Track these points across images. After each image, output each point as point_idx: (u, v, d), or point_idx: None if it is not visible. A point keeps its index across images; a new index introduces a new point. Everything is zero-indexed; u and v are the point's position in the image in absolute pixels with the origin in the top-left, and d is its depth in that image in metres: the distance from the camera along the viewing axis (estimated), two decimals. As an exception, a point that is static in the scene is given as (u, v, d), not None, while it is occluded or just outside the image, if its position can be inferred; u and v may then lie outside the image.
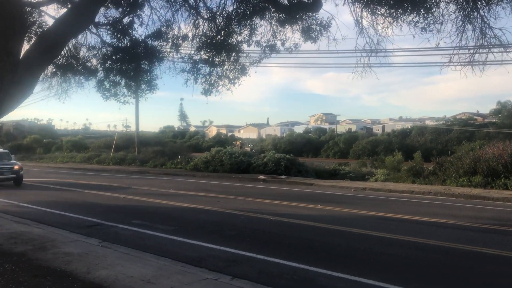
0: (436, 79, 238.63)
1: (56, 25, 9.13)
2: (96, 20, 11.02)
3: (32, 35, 11.26)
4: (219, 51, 11.71)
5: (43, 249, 9.34)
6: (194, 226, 12.45)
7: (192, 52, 12.75)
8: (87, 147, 54.77)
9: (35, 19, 11.56)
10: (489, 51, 9.43)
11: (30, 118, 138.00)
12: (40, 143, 60.81)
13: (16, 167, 22.60)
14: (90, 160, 42.45)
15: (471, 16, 8.96)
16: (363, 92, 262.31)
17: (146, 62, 12.10)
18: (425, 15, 9.02)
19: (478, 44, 9.16)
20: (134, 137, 44.91)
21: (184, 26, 13.04)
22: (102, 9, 12.02)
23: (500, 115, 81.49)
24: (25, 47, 10.50)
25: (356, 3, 9.80)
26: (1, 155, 23.50)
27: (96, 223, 12.70)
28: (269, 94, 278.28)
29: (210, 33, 12.07)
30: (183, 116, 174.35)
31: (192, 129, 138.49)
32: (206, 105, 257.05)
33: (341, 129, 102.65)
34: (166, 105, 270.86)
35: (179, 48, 12.67)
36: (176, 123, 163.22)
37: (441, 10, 9.07)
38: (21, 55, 8.18)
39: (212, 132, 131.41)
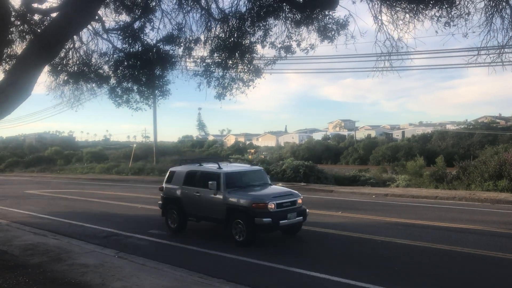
0: (456, 83, 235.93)
1: (54, 22, 8.93)
2: (107, 26, 10.93)
3: (29, 34, 11.13)
4: (232, 53, 11.45)
5: (59, 261, 9.20)
6: (210, 235, 12.21)
7: (205, 55, 12.52)
8: (106, 158, 55.22)
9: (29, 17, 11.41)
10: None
11: (52, 131, 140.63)
12: (60, 154, 61.49)
13: (299, 200, 11.76)
14: (109, 171, 42.68)
15: (499, 7, 8.45)
16: (381, 98, 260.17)
17: (158, 68, 11.91)
18: (449, 8, 8.57)
19: (508, 37, 8.65)
20: (153, 147, 45.03)
21: (195, 28, 12.78)
22: (112, 15, 11.93)
23: (523, 118, 79.70)
24: (22, 46, 10.40)
25: (375, -1, 9.41)
26: (255, 173, 12.69)
27: (113, 234, 12.56)
28: (287, 101, 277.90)
29: (223, 35, 11.82)
30: (201, 126, 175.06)
31: (211, 138, 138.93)
32: (223, 113, 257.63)
33: (360, 135, 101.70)
34: (184, 115, 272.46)
35: (192, 51, 12.44)
36: (194, 133, 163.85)
37: (465, 2, 8.59)
38: (18, 55, 8.02)
39: (230, 140, 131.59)
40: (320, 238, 11.64)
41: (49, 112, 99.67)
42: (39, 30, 10.96)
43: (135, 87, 12.35)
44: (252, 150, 53.74)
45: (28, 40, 10.77)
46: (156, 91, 12.48)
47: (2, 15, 7.63)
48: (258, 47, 11.98)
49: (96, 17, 11.23)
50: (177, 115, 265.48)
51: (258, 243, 10.96)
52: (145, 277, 8.00)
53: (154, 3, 11.58)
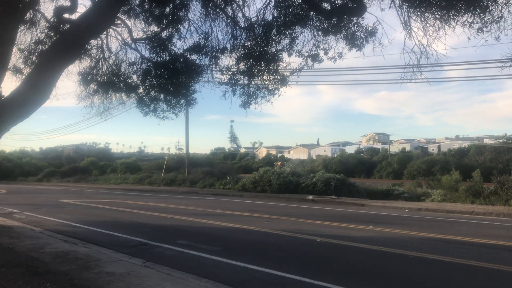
0: (494, 97, 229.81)
1: (74, 25, 9.09)
2: (135, 36, 11.09)
3: (52, 33, 11.36)
4: (258, 62, 11.41)
5: (87, 269, 9.28)
6: (239, 247, 12.11)
7: (231, 63, 12.55)
8: (140, 168, 56.17)
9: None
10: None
11: (89, 142, 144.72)
12: (96, 165, 62.96)
13: None
14: (142, 181, 43.32)
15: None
16: (417, 111, 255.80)
17: (185, 77, 12.00)
18: (481, 14, 8.27)
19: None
20: (185, 159, 45.50)
21: (221, 37, 12.86)
22: (141, 24, 12.12)
23: None
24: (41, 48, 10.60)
25: (404, 6, 9.20)
26: None
27: (142, 243, 12.62)
28: (320, 115, 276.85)
29: (248, 43, 11.80)
30: (233, 138, 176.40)
31: (242, 150, 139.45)
32: (255, 126, 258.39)
33: (394, 149, 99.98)
34: (217, 128, 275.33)
35: (218, 60, 12.48)
36: (227, 145, 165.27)
37: (499, 8, 8.26)
38: (39, 57, 8.15)
39: (262, 153, 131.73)
40: (350, 252, 11.37)
41: (85, 124, 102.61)
42: (58, 35, 11.20)
43: (162, 96, 12.47)
44: (279, 163, 54.20)
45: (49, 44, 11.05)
46: (183, 100, 12.57)
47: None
48: (284, 55, 11.93)
49: (124, 26, 11.43)
50: (210, 128, 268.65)
51: (286, 255, 10.81)
52: (170, 287, 7.96)
53: (182, 13, 11.70)
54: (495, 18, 8.34)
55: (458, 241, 12.50)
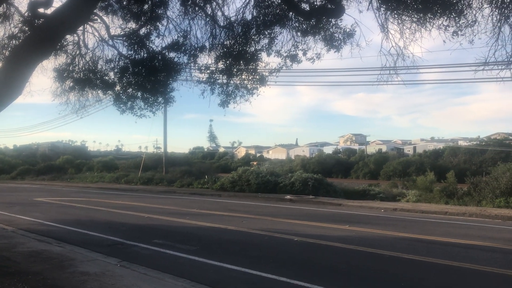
0: (469, 100, 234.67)
1: (48, 20, 8.89)
2: (112, 32, 10.93)
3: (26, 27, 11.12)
4: (237, 61, 11.40)
5: (61, 268, 9.13)
6: (216, 246, 12.08)
7: (209, 62, 12.50)
8: (117, 167, 55.46)
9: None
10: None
11: (65, 140, 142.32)
12: (72, 163, 61.91)
13: None
14: (119, 180, 42.80)
15: (509, 16, 8.29)
16: (393, 113, 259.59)
17: (163, 75, 11.89)
18: (457, 18, 8.43)
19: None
20: (163, 158, 45.15)
21: (200, 36, 12.75)
22: (119, 21, 11.96)
23: (537, 135, 78.74)
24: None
25: (382, 8, 9.31)
26: None
27: (118, 242, 12.48)
28: (298, 115, 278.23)
29: (228, 42, 11.78)
30: (212, 137, 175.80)
31: (221, 150, 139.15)
32: (234, 125, 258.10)
33: (371, 149, 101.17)
34: (196, 127, 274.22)
35: (196, 58, 12.43)
36: (205, 144, 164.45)
37: (474, 12, 8.44)
38: (9, 53, 7.96)
39: (241, 153, 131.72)
40: (327, 251, 11.45)
41: (61, 121, 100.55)
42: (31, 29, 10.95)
43: (139, 94, 12.33)
44: (255, 163, 54.89)
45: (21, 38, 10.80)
46: (160, 98, 12.46)
47: None
48: (263, 55, 11.95)
49: (101, 22, 11.25)
50: (189, 127, 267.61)
51: (263, 255, 10.83)
52: (146, 287, 7.89)
53: (160, 11, 11.59)
54: (469, 22, 8.52)
55: (432, 241, 12.71)
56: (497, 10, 8.30)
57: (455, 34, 8.70)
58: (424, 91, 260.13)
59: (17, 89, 8.18)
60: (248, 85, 12.48)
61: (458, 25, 8.56)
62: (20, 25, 11.42)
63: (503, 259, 10.59)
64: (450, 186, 24.03)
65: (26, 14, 11.09)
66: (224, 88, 12.49)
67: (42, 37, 8.18)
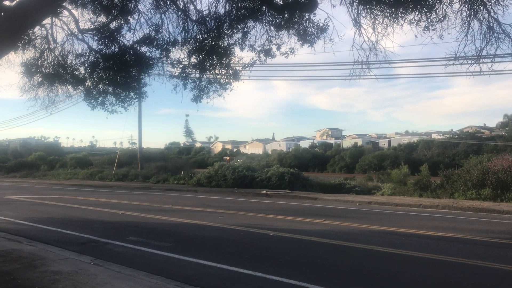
0: (441, 94, 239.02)
1: (13, 10, 8.60)
2: (82, 26, 10.68)
3: None
4: (210, 55, 11.30)
5: (32, 268, 8.91)
6: (192, 242, 12.01)
7: (182, 57, 12.35)
8: (91, 163, 54.64)
9: None
10: (497, 47, 8.79)
11: (37, 136, 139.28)
12: (44, 160, 60.68)
13: None
14: (93, 177, 42.19)
15: (478, 11, 8.44)
16: (368, 107, 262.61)
17: (135, 69, 11.69)
18: (428, 13, 8.53)
19: (485, 41, 8.61)
20: (138, 153, 44.65)
21: (172, 30, 12.57)
22: (89, 15, 11.67)
23: (507, 128, 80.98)
24: None
25: (354, 3, 9.35)
26: None
27: (91, 240, 12.27)
28: (275, 109, 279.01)
29: (200, 36, 11.65)
30: (188, 132, 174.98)
31: (198, 145, 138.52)
32: (211, 120, 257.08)
33: (347, 143, 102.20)
34: (172, 122, 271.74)
35: (169, 53, 12.24)
36: (182, 140, 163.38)
37: (444, 7, 8.57)
38: None
39: (217, 148, 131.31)
40: (302, 246, 11.49)
41: (32, 117, 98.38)
42: None
43: (110, 89, 12.10)
44: (228, 158, 55.50)
45: None
46: (132, 93, 12.26)
47: None
48: (237, 49, 11.88)
49: (70, 16, 10.96)
50: (164, 122, 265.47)
51: (239, 250, 10.81)
52: (119, 285, 7.77)
53: (131, 4, 11.37)
54: (440, 17, 8.64)
55: (406, 234, 12.90)
56: (466, 5, 8.44)
57: (426, 29, 8.80)
58: (398, 85, 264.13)
59: None
60: (221, 80, 12.39)
61: (429, 20, 8.66)
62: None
63: (473, 250, 10.83)
64: (423, 179, 24.43)
65: None
66: (197, 83, 12.37)
67: (3, 31, 7.90)
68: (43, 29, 12.75)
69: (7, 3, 9.85)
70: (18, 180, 44.46)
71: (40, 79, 12.40)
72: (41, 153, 67.00)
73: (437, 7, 8.52)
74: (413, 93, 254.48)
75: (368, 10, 9.31)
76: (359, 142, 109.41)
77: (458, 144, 72.38)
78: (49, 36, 12.50)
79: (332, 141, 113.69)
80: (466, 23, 8.67)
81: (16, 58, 13.61)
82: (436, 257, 9.91)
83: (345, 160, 73.66)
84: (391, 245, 11.10)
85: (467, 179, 22.12)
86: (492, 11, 8.48)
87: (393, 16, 8.86)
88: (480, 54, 8.87)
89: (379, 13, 9.23)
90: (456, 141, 74.90)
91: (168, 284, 7.98)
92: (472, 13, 8.45)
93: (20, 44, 10.84)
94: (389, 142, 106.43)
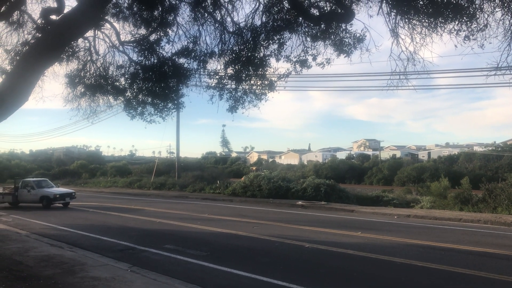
0: (484, 105, 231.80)
1: (55, 26, 8.93)
2: (122, 38, 11.00)
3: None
4: (246, 66, 11.38)
5: (72, 273, 9.18)
6: (226, 252, 12.06)
7: (219, 68, 12.51)
8: (130, 172, 55.87)
9: None
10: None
11: (79, 145, 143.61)
12: (86, 168, 62.53)
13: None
14: (132, 185, 43.08)
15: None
16: (407, 118, 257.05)
17: (173, 80, 11.93)
18: (468, 22, 8.31)
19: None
20: (175, 163, 45.33)
21: (210, 41, 12.76)
22: (130, 27, 12.01)
23: (554, 141, 77.47)
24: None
25: (392, 13, 9.23)
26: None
27: (129, 247, 12.52)
28: (311, 120, 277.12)
29: (237, 47, 11.77)
30: (225, 142, 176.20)
31: (234, 155, 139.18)
32: (247, 130, 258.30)
33: (385, 155, 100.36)
34: (209, 132, 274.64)
35: (206, 64, 12.42)
36: (218, 149, 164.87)
37: (485, 16, 8.32)
38: (20, 58, 7.95)
39: (253, 158, 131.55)
40: (338, 258, 11.34)
41: (75, 126, 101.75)
42: (39, 35, 11.04)
43: (149, 100, 12.40)
44: (254, 168, 56.13)
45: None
46: (170, 103, 12.50)
47: None
48: (273, 60, 11.95)
49: (112, 29, 11.31)
50: (202, 132, 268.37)
51: (273, 261, 10.77)
52: (155, 292, 7.88)
53: (170, 17, 11.65)
54: (481, 26, 8.39)
55: (445, 248, 12.53)
56: (509, 14, 8.17)
57: (466, 39, 8.57)
58: (438, 96, 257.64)
59: (24, 95, 8.27)
60: (257, 91, 12.46)
61: (469, 29, 8.43)
62: (33, 32, 11.59)
63: (518, 267, 10.39)
64: (464, 193, 23.70)
65: (38, 21, 11.24)
66: (233, 93, 12.48)
67: (49, 43, 8.24)
68: (86, 41, 13.27)
69: (53, 17, 10.31)
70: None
71: (82, 90, 12.88)
72: (83, 161, 69.08)
73: (478, 16, 8.29)
74: (454, 104, 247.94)
75: (406, 20, 9.18)
76: (398, 153, 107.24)
77: (501, 157, 69.81)
78: (92, 48, 12.98)
79: (369, 152, 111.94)
80: (509, 32, 8.40)
81: (61, 70, 14.19)
82: (477, 273, 9.58)
83: (383, 172, 72.22)
84: (430, 260, 10.80)
85: (511, 193, 21.31)
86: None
87: (432, 26, 8.68)
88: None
89: (417, 23, 9.09)
90: (499, 154, 72.28)
91: (202, 293, 8.04)
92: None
93: (64, 56, 11.30)
94: (429, 154, 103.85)
